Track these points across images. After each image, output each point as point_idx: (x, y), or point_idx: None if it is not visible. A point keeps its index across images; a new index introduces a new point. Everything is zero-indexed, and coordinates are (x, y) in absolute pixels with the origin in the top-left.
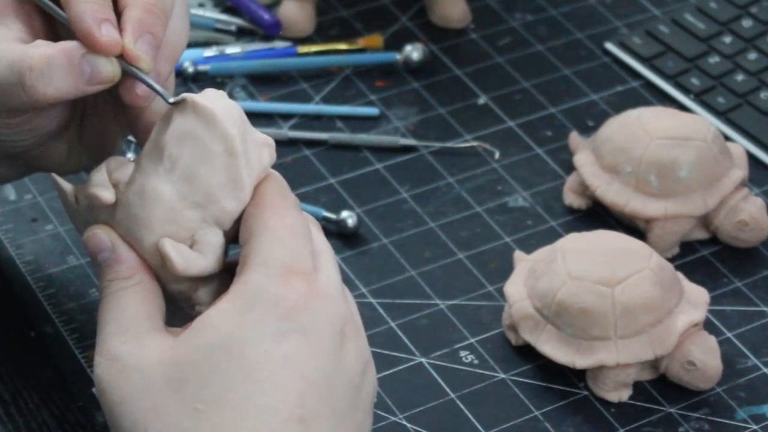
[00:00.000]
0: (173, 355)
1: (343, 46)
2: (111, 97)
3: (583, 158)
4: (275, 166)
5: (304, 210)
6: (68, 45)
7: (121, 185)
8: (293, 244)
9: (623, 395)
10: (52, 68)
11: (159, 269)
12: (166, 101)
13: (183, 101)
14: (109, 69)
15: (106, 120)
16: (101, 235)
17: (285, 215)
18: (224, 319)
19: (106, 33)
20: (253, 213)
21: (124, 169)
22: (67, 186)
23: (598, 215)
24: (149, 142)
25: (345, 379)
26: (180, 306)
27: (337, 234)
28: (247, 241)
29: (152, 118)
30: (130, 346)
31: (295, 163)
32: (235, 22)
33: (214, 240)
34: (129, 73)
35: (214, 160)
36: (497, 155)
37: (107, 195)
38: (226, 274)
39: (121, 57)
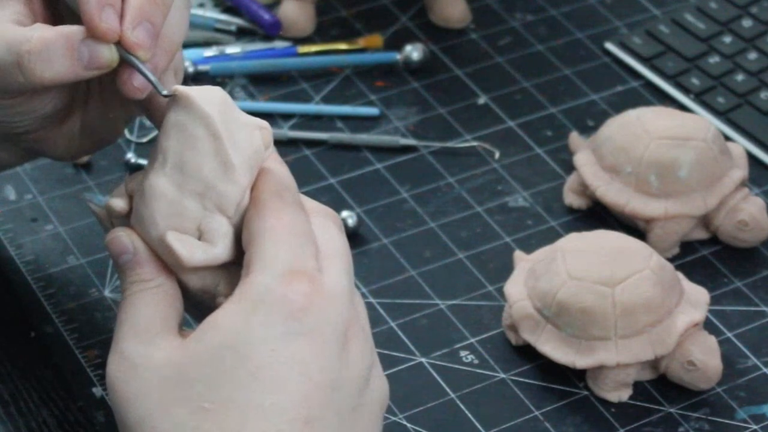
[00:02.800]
0: (181, 355)
1: (343, 46)
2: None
3: (583, 158)
4: None
5: None
6: (67, 29)
7: (134, 193)
8: (294, 245)
9: (623, 395)
10: (51, 51)
11: (173, 266)
12: (159, 92)
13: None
14: (107, 55)
15: (111, 107)
16: (123, 238)
17: (283, 215)
18: (230, 320)
19: (105, 19)
20: (252, 216)
21: (138, 177)
22: (98, 209)
23: (598, 215)
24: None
25: (348, 381)
26: (204, 301)
27: None
28: (249, 244)
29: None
30: (142, 347)
31: (295, 163)
32: (235, 22)
33: (219, 228)
34: (126, 60)
35: (198, 144)
36: (497, 155)
37: (119, 203)
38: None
39: (119, 44)
